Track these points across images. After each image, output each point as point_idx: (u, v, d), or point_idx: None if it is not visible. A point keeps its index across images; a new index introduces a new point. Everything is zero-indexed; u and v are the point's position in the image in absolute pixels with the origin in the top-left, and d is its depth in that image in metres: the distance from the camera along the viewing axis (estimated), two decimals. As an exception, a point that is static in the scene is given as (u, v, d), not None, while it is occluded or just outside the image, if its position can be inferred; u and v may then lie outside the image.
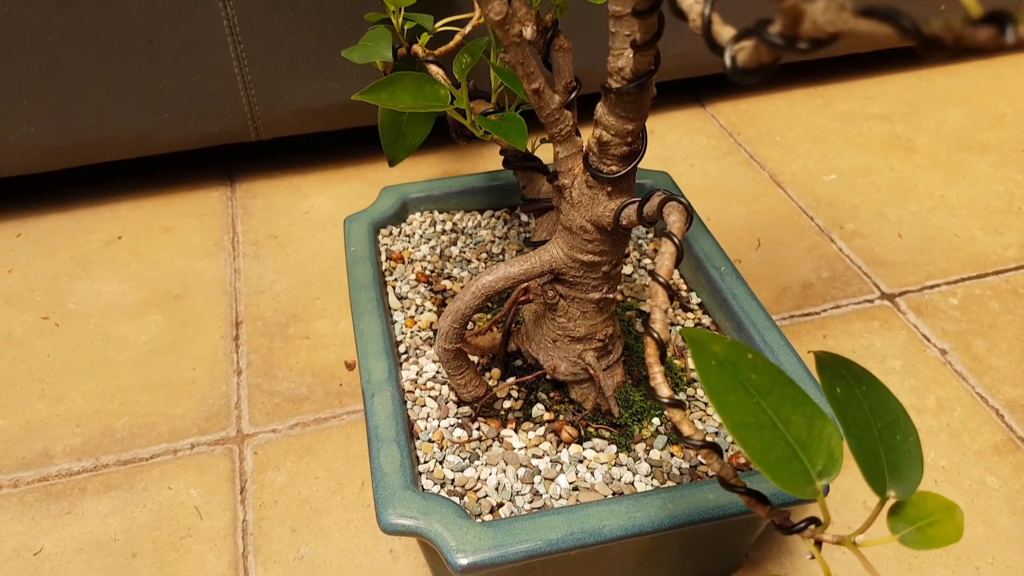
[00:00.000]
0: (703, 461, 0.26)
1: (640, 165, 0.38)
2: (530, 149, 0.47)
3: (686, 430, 0.26)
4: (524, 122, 0.41)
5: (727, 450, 0.45)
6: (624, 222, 0.35)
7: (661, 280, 0.28)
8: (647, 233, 0.60)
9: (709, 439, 0.27)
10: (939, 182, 0.83)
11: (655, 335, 0.28)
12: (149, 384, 0.63)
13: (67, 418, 0.60)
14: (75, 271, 0.74)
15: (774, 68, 0.18)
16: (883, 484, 0.24)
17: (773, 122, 0.92)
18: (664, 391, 0.27)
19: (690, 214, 0.30)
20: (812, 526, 0.25)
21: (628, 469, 0.44)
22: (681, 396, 0.48)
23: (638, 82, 0.31)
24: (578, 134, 0.38)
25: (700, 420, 0.47)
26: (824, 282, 0.71)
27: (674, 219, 0.30)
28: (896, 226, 0.77)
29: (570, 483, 0.43)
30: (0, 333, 0.68)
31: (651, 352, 0.28)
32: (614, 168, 0.35)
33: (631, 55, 0.31)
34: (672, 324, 0.52)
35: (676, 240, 0.29)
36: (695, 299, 0.54)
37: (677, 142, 0.89)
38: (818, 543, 0.25)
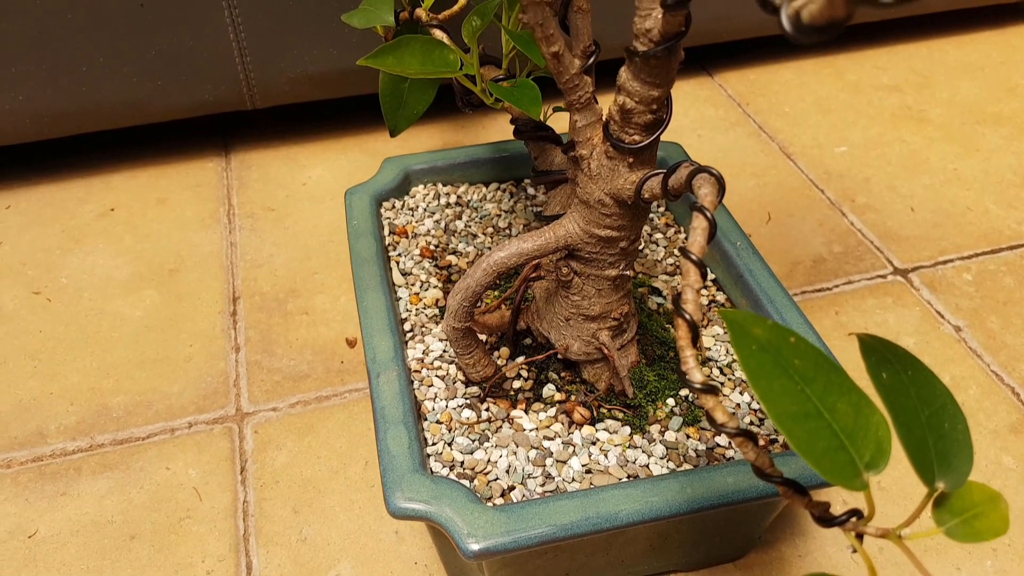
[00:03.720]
0: (737, 448, 0.24)
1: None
2: (542, 119, 0.45)
3: (720, 417, 0.25)
4: (538, 89, 0.39)
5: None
6: (646, 195, 0.34)
7: (694, 258, 0.26)
8: (657, 207, 0.58)
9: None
10: (952, 155, 0.81)
11: (687, 316, 0.26)
12: (145, 361, 0.61)
13: (61, 396, 0.59)
14: (67, 244, 0.72)
15: (844, 25, 0.16)
16: (932, 474, 0.23)
17: (782, 92, 0.90)
18: (697, 376, 0.25)
19: (722, 186, 0.28)
20: (854, 519, 0.24)
21: (643, 451, 0.43)
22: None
23: (666, 45, 0.29)
24: (595, 102, 0.36)
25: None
26: (836, 257, 0.69)
27: (705, 192, 0.28)
28: (908, 200, 0.75)
29: (583, 466, 0.42)
30: (-10, 308, 0.66)
31: (683, 335, 0.26)
32: (636, 138, 0.33)
33: (660, 15, 0.29)
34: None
35: (708, 214, 0.27)
36: (709, 275, 0.53)
37: (684, 113, 0.87)
38: (859, 536, 0.24)
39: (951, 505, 0.24)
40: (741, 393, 0.45)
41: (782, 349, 0.23)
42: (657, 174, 0.33)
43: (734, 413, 0.45)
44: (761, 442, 0.43)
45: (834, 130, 0.84)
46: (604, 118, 0.35)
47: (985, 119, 0.85)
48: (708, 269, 0.53)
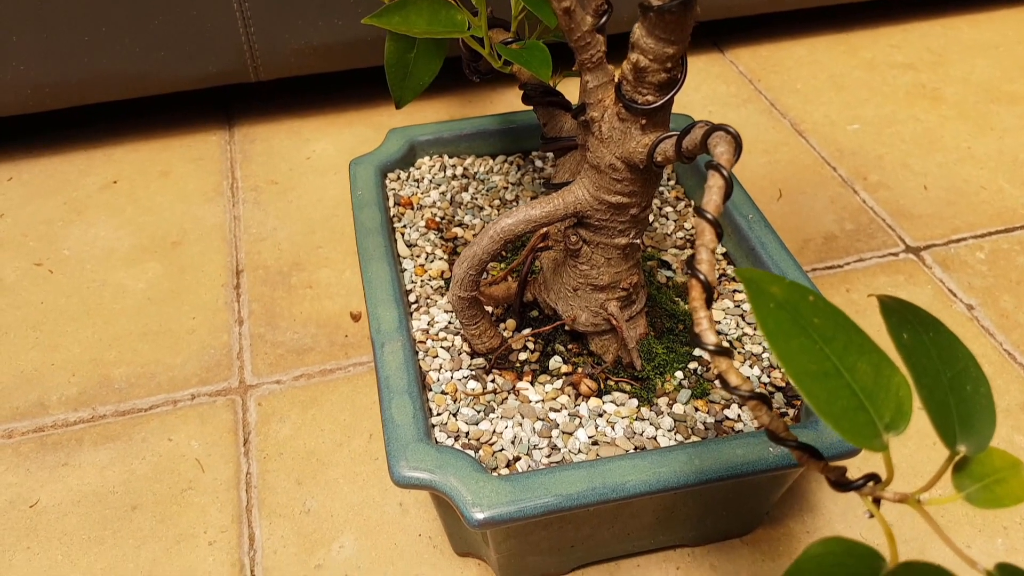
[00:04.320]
0: (753, 413, 0.23)
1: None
2: (552, 85, 0.44)
3: (733, 380, 0.24)
4: (548, 50, 0.38)
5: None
6: (659, 158, 0.33)
7: (709, 216, 0.25)
8: (668, 180, 0.57)
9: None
10: (966, 133, 0.79)
11: (701, 277, 0.25)
12: (147, 332, 0.61)
13: (62, 367, 0.58)
14: (69, 216, 0.71)
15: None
16: (954, 437, 0.22)
17: (795, 69, 0.89)
18: (711, 337, 0.24)
19: (739, 144, 0.27)
20: (872, 483, 0.23)
21: (650, 423, 0.42)
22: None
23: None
24: (607, 62, 0.35)
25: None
26: (847, 234, 0.68)
27: (722, 150, 0.27)
28: (921, 178, 0.74)
29: (590, 437, 0.41)
30: (-8, 279, 0.65)
31: (696, 296, 0.25)
32: (650, 98, 0.32)
33: (676, -33, 0.27)
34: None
35: (725, 172, 0.26)
36: (720, 249, 0.52)
37: (695, 89, 0.86)
38: (877, 501, 0.23)
39: (971, 470, 0.23)
40: (751, 367, 0.45)
41: (800, 307, 0.22)
42: (671, 136, 0.32)
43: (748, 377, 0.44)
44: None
45: (847, 107, 0.83)
46: (616, 79, 0.34)
47: (1000, 98, 0.84)
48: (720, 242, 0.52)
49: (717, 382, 0.44)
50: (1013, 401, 0.55)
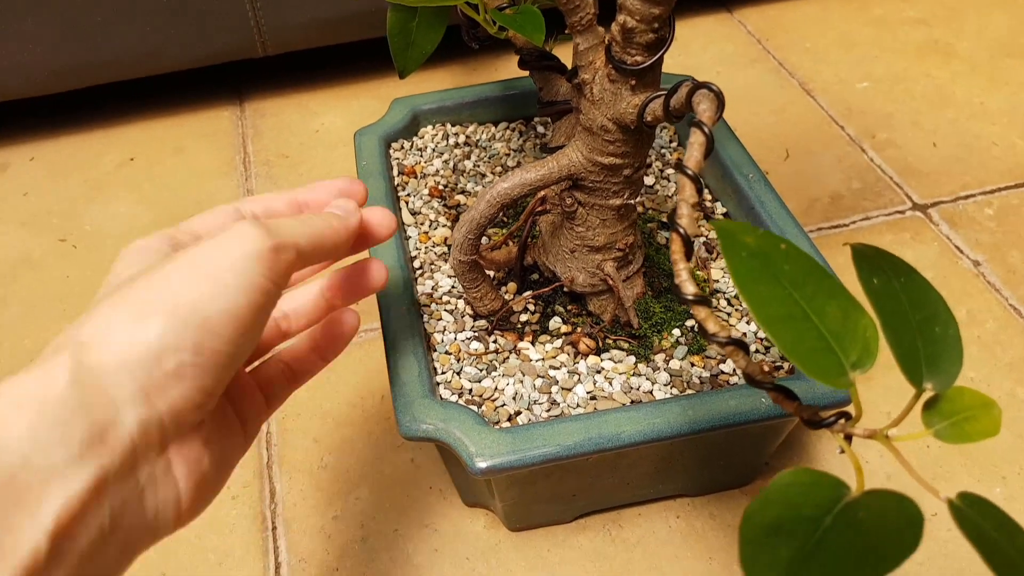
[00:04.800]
0: (731, 359, 0.25)
1: (663, 70, 0.36)
2: (547, 49, 0.45)
3: (711, 327, 0.25)
4: (541, 15, 0.38)
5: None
6: (649, 118, 0.34)
7: (689, 172, 0.26)
8: (670, 143, 0.58)
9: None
10: (979, 89, 0.79)
11: (681, 230, 0.26)
12: (167, 303, 0.63)
13: (88, 337, 0.61)
14: (90, 194, 0.73)
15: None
16: (920, 376, 0.23)
17: (804, 28, 0.88)
18: (689, 288, 0.25)
19: (721, 102, 0.28)
20: (842, 420, 0.24)
21: (647, 379, 0.43)
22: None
23: (663, -41, 0.29)
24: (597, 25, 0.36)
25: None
26: (854, 193, 0.68)
27: (704, 107, 0.28)
28: (931, 135, 0.74)
29: (588, 392, 0.43)
30: (18, 256, 0.68)
31: (676, 248, 0.26)
32: (639, 59, 0.33)
33: (655, -72, 0.28)
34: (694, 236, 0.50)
35: (706, 129, 0.27)
36: (720, 209, 0.53)
37: (703, 49, 0.85)
38: (848, 437, 0.24)
39: (941, 408, 0.24)
40: (748, 323, 0.46)
41: (771, 255, 0.23)
42: (659, 95, 0.33)
43: (726, 323, 0.45)
44: (766, 368, 0.43)
45: (857, 65, 0.82)
46: (606, 41, 0.35)
47: (1014, 52, 0.83)
48: (720, 203, 0.53)
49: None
50: (1017, 355, 0.56)
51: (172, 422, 0.25)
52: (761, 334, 0.45)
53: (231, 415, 0.31)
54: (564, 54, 0.75)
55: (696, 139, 0.28)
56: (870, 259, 0.25)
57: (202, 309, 0.25)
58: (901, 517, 0.21)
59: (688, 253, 0.27)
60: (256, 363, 0.35)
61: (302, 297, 0.36)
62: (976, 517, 0.22)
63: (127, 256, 0.29)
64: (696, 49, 0.86)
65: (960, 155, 0.71)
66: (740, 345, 0.26)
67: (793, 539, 0.21)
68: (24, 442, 0.21)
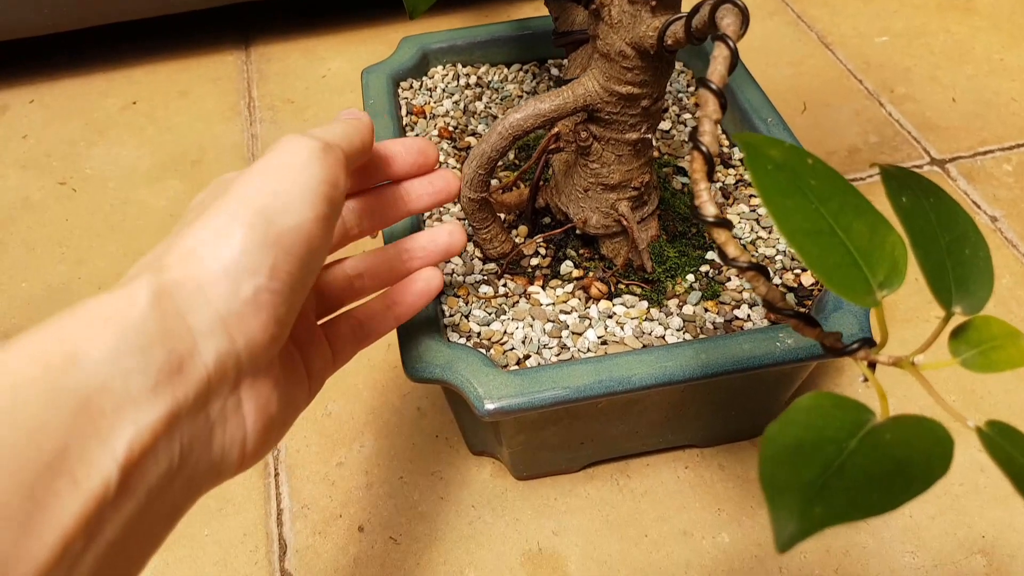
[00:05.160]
0: (751, 284, 0.24)
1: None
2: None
3: (731, 251, 0.24)
4: (556, -61, 0.37)
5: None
6: (669, 41, 0.32)
7: (713, 87, 0.25)
8: (688, 87, 0.56)
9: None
10: (999, 44, 0.77)
11: (703, 148, 0.25)
12: (170, 248, 0.62)
13: (89, 280, 0.60)
14: (91, 136, 0.72)
15: None
16: (949, 297, 0.22)
17: (822, -20, 0.85)
18: (710, 209, 0.24)
19: (746, 16, 0.27)
20: (866, 347, 0.23)
21: (659, 324, 0.42)
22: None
23: None
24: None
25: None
26: (871, 147, 0.67)
27: (728, 22, 0.26)
28: (950, 90, 0.72)
29: (599, 337, 0.42)
30: (17, 198, 0.67)
31: (697, 168, 0.25)
32: (659, -22, 0.31)
33: None
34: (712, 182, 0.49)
35: (731, 43, 0.26)
36: (738, 154, 0.51)
37: (717, 2, 0.83)
38: (872, 365, 0.24)
39: (968, 337, 0.23)
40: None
41: (798, 169, 0.22)
42: (680, 17, 0.32)
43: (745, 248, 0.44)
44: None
45: (876, 19, 0.80)
46: (624, -36, 0.34)
47: (1039, 7, 0.80)
48: (738, 148, 0.52)
49: (723, 266, 0.44)
50: (1033, 311, 0.55)
51: (248, 356, 0.24)
52: (777, 280, 0.44)
53: (299, 363, 0.31)
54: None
55: (720, 52, 0.26)
56: (899, 178, 0.24)
57: (276, 222, 0.24)
58: (929, 439, 0.20)
59: (710, 173, 0.26)
60: (327, 318, 0.35)
61: (377, 257, 0.36)
62: (1006, 444, 0.21)
63: (211, 187, 0.28)
64: (712, 0, 0.83)
65: (979, 111, 0.70)
66: (760, 270, 0.25)
67: (816, 460, 0.20)
68: (103, 365, 0.20)
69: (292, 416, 0.29)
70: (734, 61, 0.25)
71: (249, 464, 0.26)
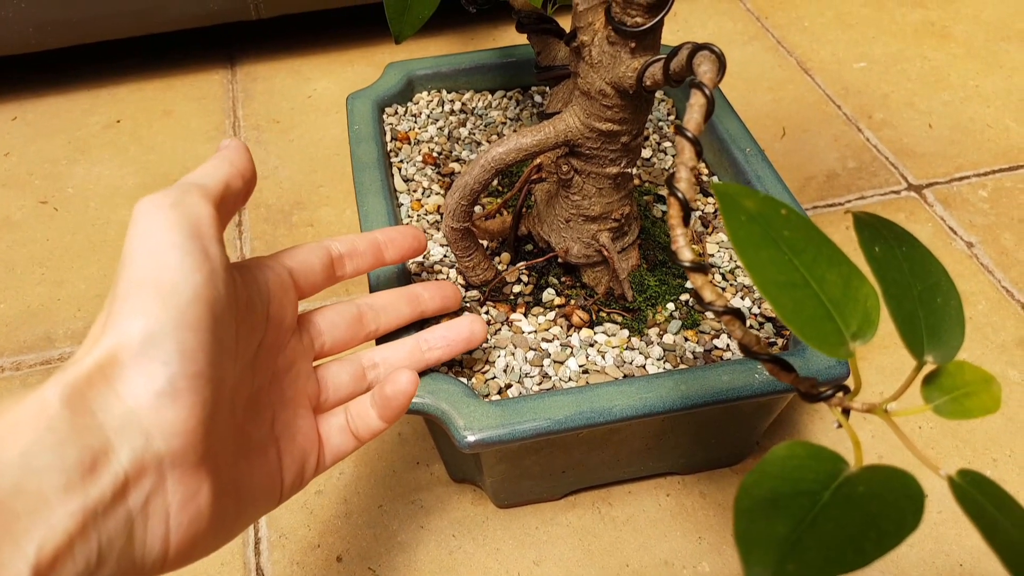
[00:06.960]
0: (727, 328, 0.24)
1: (663, 42, 0.35)
2: (547, 11, 0.44)
3: (708, 295, 0.25)
4: (539, -24, 0.37)
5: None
6: (648, 82, 0.33)
7: (689, 135, 0.26)
8: (668, 116, 0.57)
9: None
10: (974, 71, 0.78)
11: (679, 195, 0.25)
12: (152, 269, 0.61)
13: (68, 302, 0.59)
14: (73, 155, 0.72)
15: None
16: (921, 347, 0.23)
17: (802, 7, 0.87)
18: (686, 254, 0.25)
19: (723, 64, 0.27)
20: (840, 393, 0.24)
21: (640, 353, 0.43)
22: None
23: (669, -85, 0.28)
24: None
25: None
26: (849, 172, 0.68)
27: (705, 69, 0.27)
28: (927, 116, 0.73)
29: (580, 366, 0.42)
30: (-2, 217, 0.66)
31: (674, 213, 0.26)
32: (639, 20, 0.32)
33: None
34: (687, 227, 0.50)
35: (707, 91, 0.26)
36: (716, 182, 0.52)
37: (701, 26, 0.84)
38: (846, 412, 0.24)
39: (941, 383, 0.24)
40: (743, 299, 0.45)
41: (772, 220, 0.23)
42: (659, 59, 0.32)
43: (723, 291, 0.44)
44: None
45: (854, 45, 0.81)
46: (606, 1, 0.34)
47: (1010, 36, 0.82)
48: (717, 176, 0.52)
49: (694, 300, 0.44)
50: (1009, 337, 0.56)
51: (168, 449, 0.23)
52: (756, 310, 0.45)
53: (266, 456, 0.30)
54: (562, 22, 0.74)
55: (696, 100, 0.27)
56: (872, 227, 0.24)
57: (170, 303, 0.24)
58: (901, 493, 0.20)
59: (686, 218, 0.26)
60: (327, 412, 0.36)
61: (395, 350, 0.38)
62: (977, 495, 0.21)
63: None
64: (695, 25, 0.84)
65: (955, 137, 0.71)
66: (736, 314, 0.25)
67: (790, 514, 0.20)
68: (15, 468, 0.20)
69: (247, 510, 0.28)
70: (710, 109, 0.26)
71: (176, 564, 0.25)
